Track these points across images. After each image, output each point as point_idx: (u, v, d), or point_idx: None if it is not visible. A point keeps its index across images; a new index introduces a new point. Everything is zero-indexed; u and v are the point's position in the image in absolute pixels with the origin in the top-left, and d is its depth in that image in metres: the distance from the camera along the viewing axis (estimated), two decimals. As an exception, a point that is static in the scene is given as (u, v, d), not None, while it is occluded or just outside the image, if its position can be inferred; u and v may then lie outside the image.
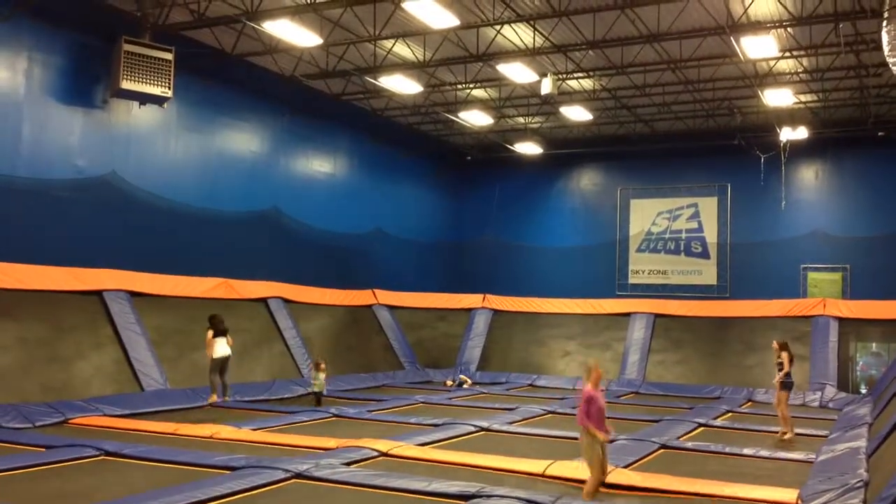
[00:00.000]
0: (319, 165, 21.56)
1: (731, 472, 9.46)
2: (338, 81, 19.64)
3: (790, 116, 20.97)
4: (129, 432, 11.24)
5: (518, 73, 17.48)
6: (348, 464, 9.05)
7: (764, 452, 10.64)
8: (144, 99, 15.30)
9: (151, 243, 16.23)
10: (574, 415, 14.50)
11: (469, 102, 21.41)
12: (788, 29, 15.43)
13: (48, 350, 13.23)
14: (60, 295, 13.96)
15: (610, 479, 8.64)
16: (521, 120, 23.56)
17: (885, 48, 12.38)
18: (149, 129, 16.56)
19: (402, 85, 18.68)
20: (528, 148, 24.78)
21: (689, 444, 11.25)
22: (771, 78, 18.36)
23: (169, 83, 15.07)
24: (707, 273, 24.15)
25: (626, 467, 9.29)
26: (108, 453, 9.37)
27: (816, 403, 17.28)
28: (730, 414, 15.34)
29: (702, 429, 13.05)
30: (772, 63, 17.53)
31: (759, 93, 18.71)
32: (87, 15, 14.84)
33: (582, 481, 8.61)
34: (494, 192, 26.93)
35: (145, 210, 16.26)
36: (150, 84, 14.87)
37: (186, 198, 17.22)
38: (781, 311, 19.79)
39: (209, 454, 9.36)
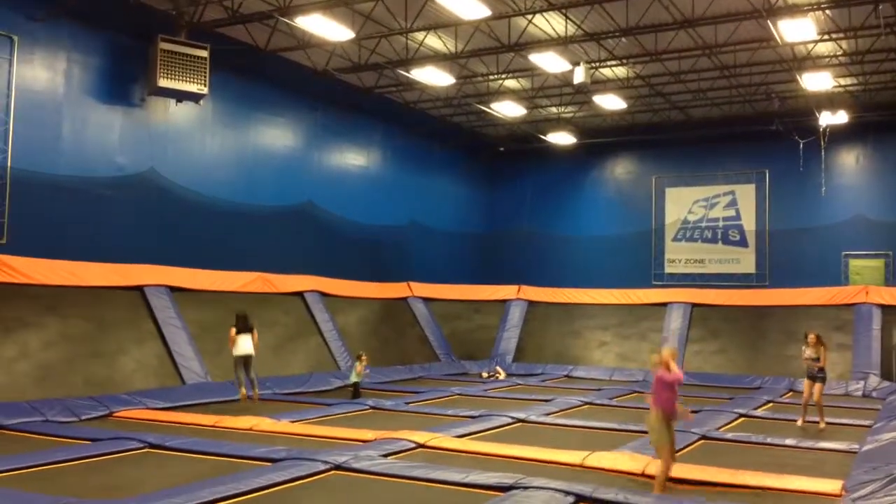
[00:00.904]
0: (353, 159, 21.66)
1: (773, 462, 9.34)
2: (370, 75, 19.70)
3: (829, 100, 20.55)
4: (171, 425, 11.44)
5: (550, 62, 17.37)
6: (386, 455, 9.11)
7: (806, 443, 10.49)
8: (181, 96, 15.52)
9: (189, 239, 16.47)
10: (611, 405, 14.50)
11: (501, 93, 21.33)
12: (827, 11, 15.09)
13: (91, 345, 13.50)
14: (102, 291, 14.23)
15: (650, 469, 8.59)
16: (554, 110, 23.41)
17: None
18: (186, 125, 16.78)
19: (434, 77, 18.67)
20: (562, 138, 24.61)
21: (730, 435, 11.13)
22: (809, 61, 17.99)
23: (205, 80, 15.26)
24: (745, 261, 23.81)
25: (665, 458, 9.22)
26: (151, 446, 9.55)
27: (860, 393, 16.98)
28: (770, 404, 15.14)
29: (742, 419, 12.90)
30: (810, 46, 17.17)
31: (798, 77, 18.35)
32: (124, 15, 15.06)
33: (620, 472, 8.60)
34: (527, 184, 26.81)
35: (183, 206, 16.50)
36: (186, 81, 15.08)
37: (223, 193, 17.43)
38: (822, 299, 19.45)
39: (250, 446, 9.48)
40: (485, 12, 14.50)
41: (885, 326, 18.20)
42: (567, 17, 15.90)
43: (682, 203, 24.85)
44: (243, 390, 13.77)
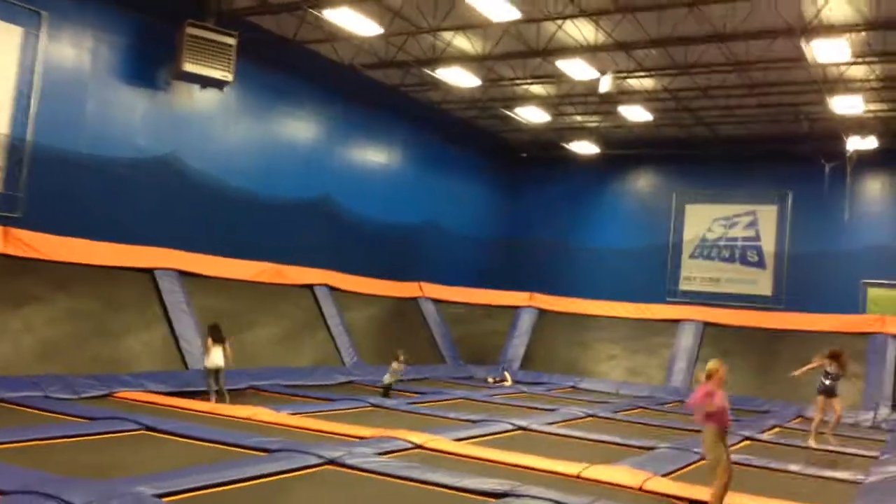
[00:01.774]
0: (373, 155, 21.60)
1: (774, 487, 9.13)
2: (396, 72, 19.65)
3: (859, 125, 20.24)
4: (170, 409, 11.41)
5: (578, 69, 17.22)
6: (382, 454, 9.01)
7: (811, 470, 10.27)
8: (206, 82, 15.53)
9: (204, 225, 16.47)
10: (615, 419, 14.32)
11: (526, 98, 21.21)
12: (863, 33, 14.85)
13: (97, 324, 13.50)
14: (113, 271, 14.24)
15: (648, 485, 8.44)
16: (579, 118, 23.25)
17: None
18: (208, 112, 16.79)
19: (460, 78, 18.59)
20: (585, 147, 24.45)
21: (733, 457, 10.89)
22: (841, 84, 17.71)
23: (230, 67, 15.26)
24: (762, 283, 23.50)
25: (664, 475, 9.07)
26: (147, 428, 9.50)
27: (869, 423, 16.68)
28: (777, 429, 14.88)
29: (748, 442, 12.68)
30: (843, 69, 16.91)
31: (828, 99, 18.08)
32: (153, -3, 15.12)
33: (618, 485, 8.44)
34: (547, 191, 26.61)
35: (201, 192, 16.50)
36: (212, 67, 15.09)
37: (241, 181, 17.41)
38: (837, 326, 19.15)
39: (246, 435, 9.42)
40: (515, 15, 14.38)
41: (900, 358, 17.90)
42: (597, 25, 15.77)
43: (701, 220, 24.59)
44: (213, 400, 12.97)
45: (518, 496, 7.38)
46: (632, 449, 10.96)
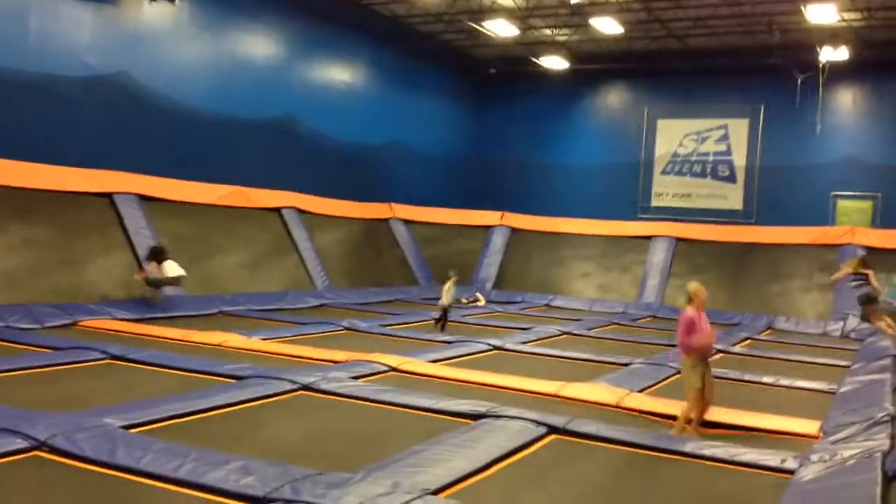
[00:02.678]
0: (337, 73, 20.86)
1: (748, 400, 9.17)
2: (358, -16, 18.79)
3: (832, 35, 19.89)
4: (137, 337, 11.13)
5: (547, -22, 16.55)
6: (356, 378, 8.85)
7: (784, 381, 10.35)
8: (154, -6, 14.69)
9: (162, 147, 15.83)
10: (590, 336, 14.33)
11: (494, 11, 20.46)
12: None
13: (57, 252, 13.04)
14: (69, 196, 13.68)
15: (625, 402, 8.41)
16: (548, 32, 22.57)
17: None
18: (160, 27, 15.94)
19: (425, -11, 17.82)
20: (555, 62, 23.84)
21: (707, 371, 10.93)
22: (816, -9, 17.28)
23: (180, -22, 14.41)
24: (733, 197, 23.49)
25: (640, 391, 9.06)
26: (113, 357, 9.23)
27: (838, 333, 16.96)
28: (749, 341, 15.04)
29: (720, 355, 12.77)
30: (818, -25, 16.46)
31: (802, 8, 17.64)
32: None
33: (596, 403, 8.39)
34: (516, 108, 26.07)
35: (156, 112, 15.78)
36: (160, -22, 14.23)
37: (198, 100, 16.68)
38: (807, 238, 19.28)
39: (217, 362, 9.20)
40: (481, -81, 13.65)
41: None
42: (567, -70, 15.08)
43: (673, 136, 24.35)
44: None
45: (496, 417, 7.26)
46: (607, 365, 10.95)
